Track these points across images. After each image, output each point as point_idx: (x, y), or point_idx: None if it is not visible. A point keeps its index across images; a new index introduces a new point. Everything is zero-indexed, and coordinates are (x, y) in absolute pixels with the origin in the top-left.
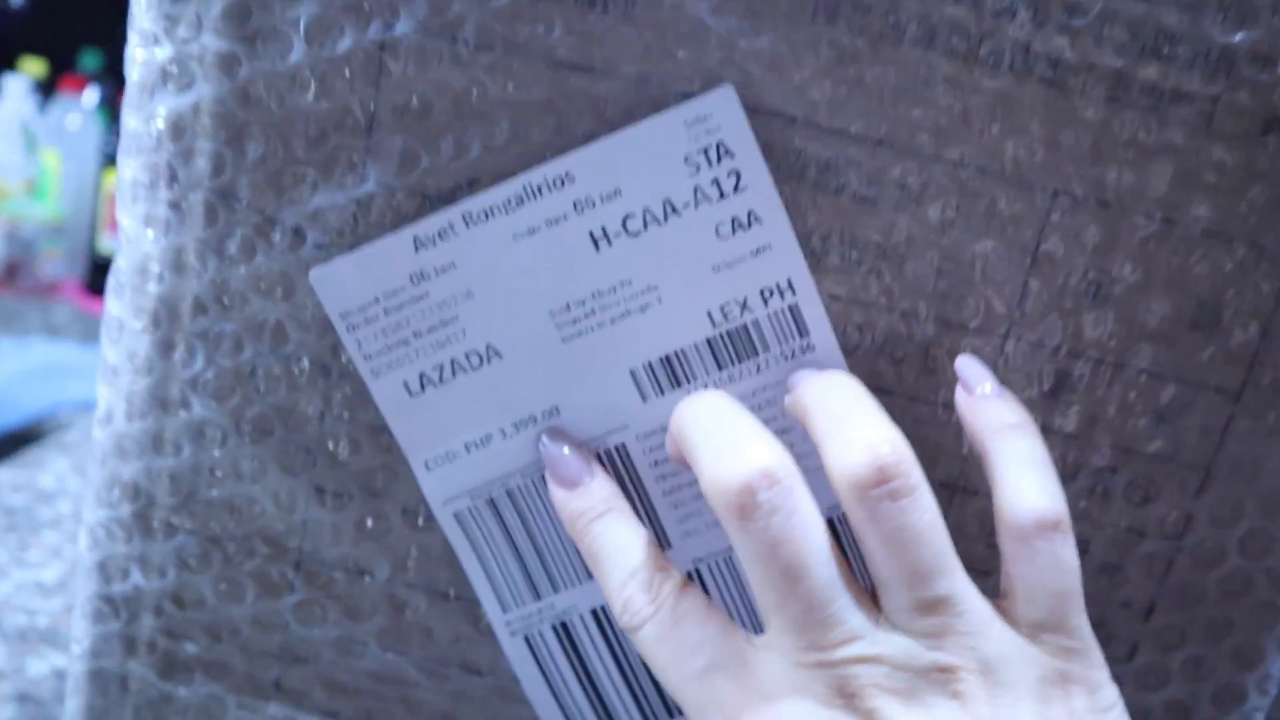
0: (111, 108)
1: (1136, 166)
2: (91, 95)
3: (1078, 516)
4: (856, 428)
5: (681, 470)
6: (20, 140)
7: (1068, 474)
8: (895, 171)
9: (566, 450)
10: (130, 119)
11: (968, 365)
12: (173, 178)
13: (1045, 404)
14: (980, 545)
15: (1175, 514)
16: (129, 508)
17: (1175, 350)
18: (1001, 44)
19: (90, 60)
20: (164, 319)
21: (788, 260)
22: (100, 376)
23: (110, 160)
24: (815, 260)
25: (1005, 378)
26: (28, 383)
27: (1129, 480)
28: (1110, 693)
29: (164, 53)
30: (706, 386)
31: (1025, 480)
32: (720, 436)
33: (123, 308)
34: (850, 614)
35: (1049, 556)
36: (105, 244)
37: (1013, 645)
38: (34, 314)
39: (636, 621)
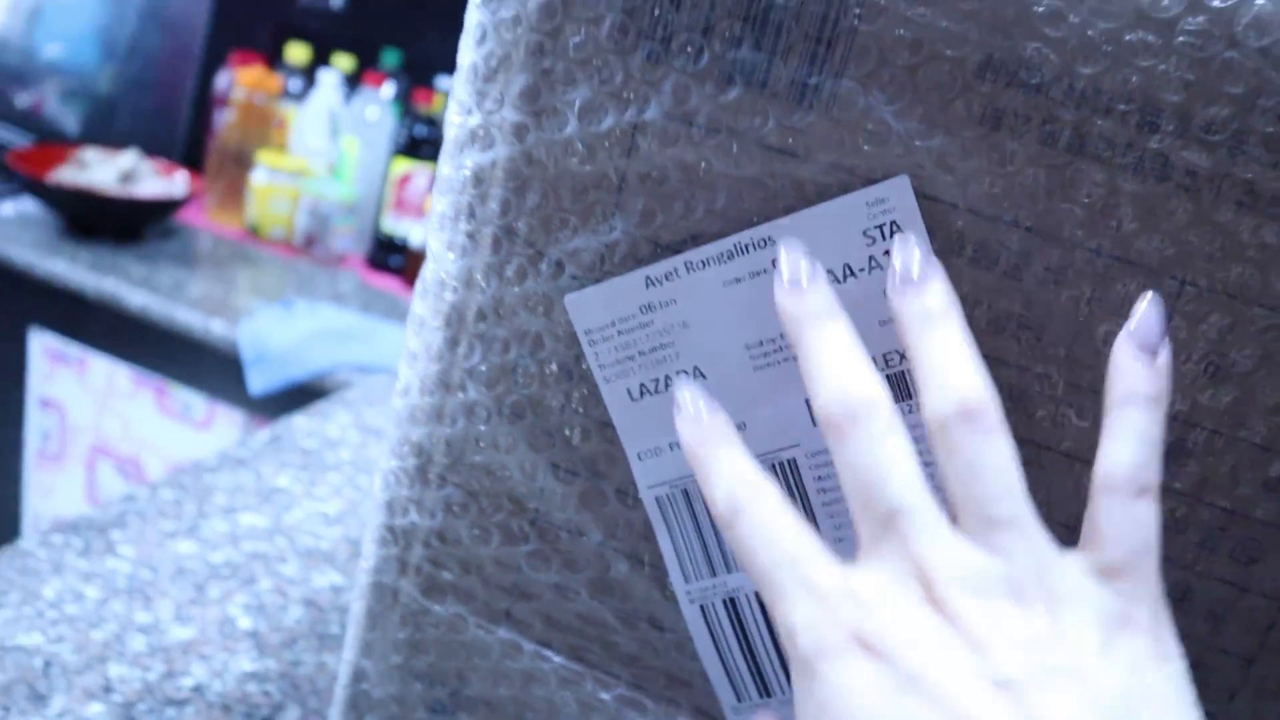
0: (404, 102)
1: (1261, 265)
2: (389, 90)
3: (1185, 566)
4: (952, 372)
5: (840, 489)
6: (327, 127)
7: (1179, 527)
8: (1040, 255)
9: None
10: (444, 167)
11: (1149, 320)
12: (471, 214)
13: (1164, 461)
14: None
15: None
16: (413, 462)
17: None
18: (1144, 154)
19: (390, 58)
20: (454, 321)
21: None
22: (402, 359)
23: (399, 150)
24: (965, 322)
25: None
26: (317, 342)
27: (1236, 541)
28: (1173, 645)
29: (474, 120)
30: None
31: (1129, 448)
32: (834, 362)
33: (425, 309)
34: (933, 519)
35: (1129, 515)
36: (388, 224)
37: (1081, 579)
38: (324, 281)
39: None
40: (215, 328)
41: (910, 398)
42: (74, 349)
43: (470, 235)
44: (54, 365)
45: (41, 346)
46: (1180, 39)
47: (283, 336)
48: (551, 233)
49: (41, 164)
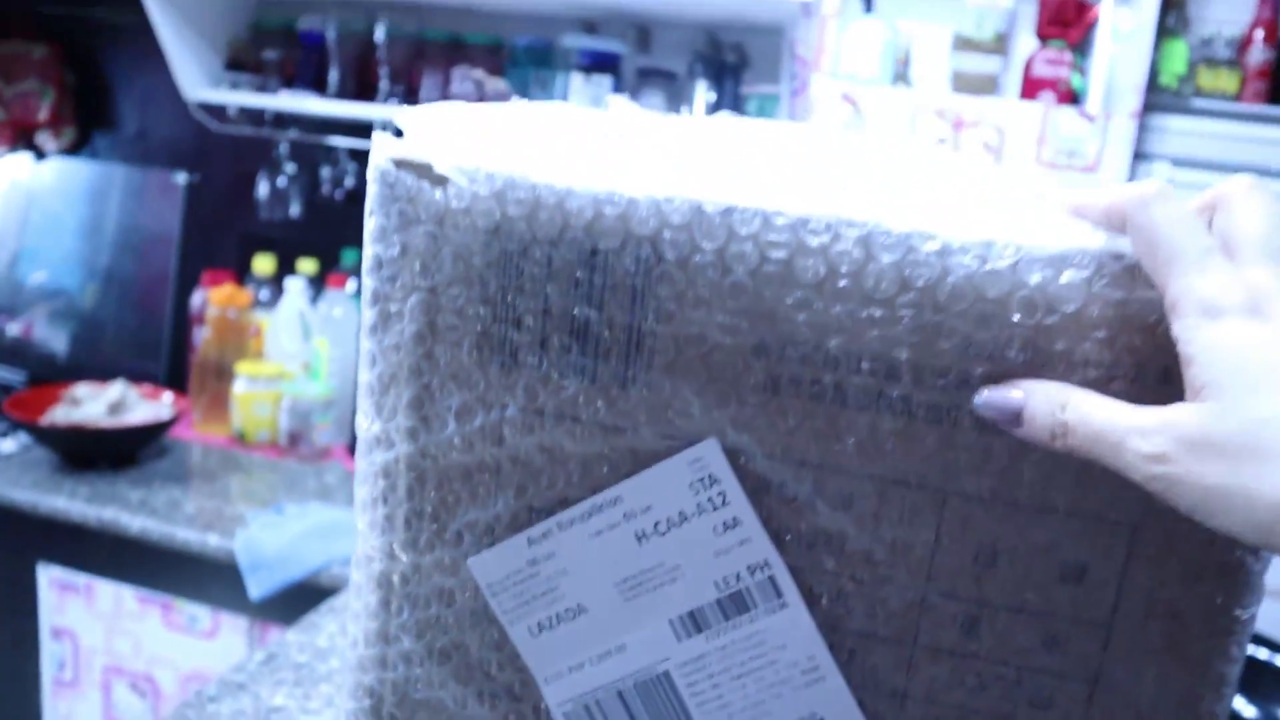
0: None
1: (998, 472)
2: (352, 286)
3: (995, 716)
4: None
5: (706, 690)
6: (299, 329)
7: (984, 685)
8: (828, 486)
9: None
10: (360, 462)
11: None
12: (384, 500)
13: (961, 635)
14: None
15: (1074, 716)
16: (368, 702)
17: (1051, 598)
18: (892, 399)
19: (350, 257)
20: (384, 585)
21: (762, 547)
22: (349, 618)
23: None
24: (782, 545)
25: (927, 617)
26: (310, 541)
27: (1033, 692)
28: None
29: (376, 427)
30: (720, 633)
31: None
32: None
33: (360, 576)
34: None
35: None
36: None
37: None
38: (310, 476)
39: None
40: (212, 540)
41: (742, 613)
42: (80, 577)
43: (387, 517)
44: (62, 595)
45: (48, 579)
46: (900, 311)
47: (276, 540)
48: (450, 510)
49: (36, 406)
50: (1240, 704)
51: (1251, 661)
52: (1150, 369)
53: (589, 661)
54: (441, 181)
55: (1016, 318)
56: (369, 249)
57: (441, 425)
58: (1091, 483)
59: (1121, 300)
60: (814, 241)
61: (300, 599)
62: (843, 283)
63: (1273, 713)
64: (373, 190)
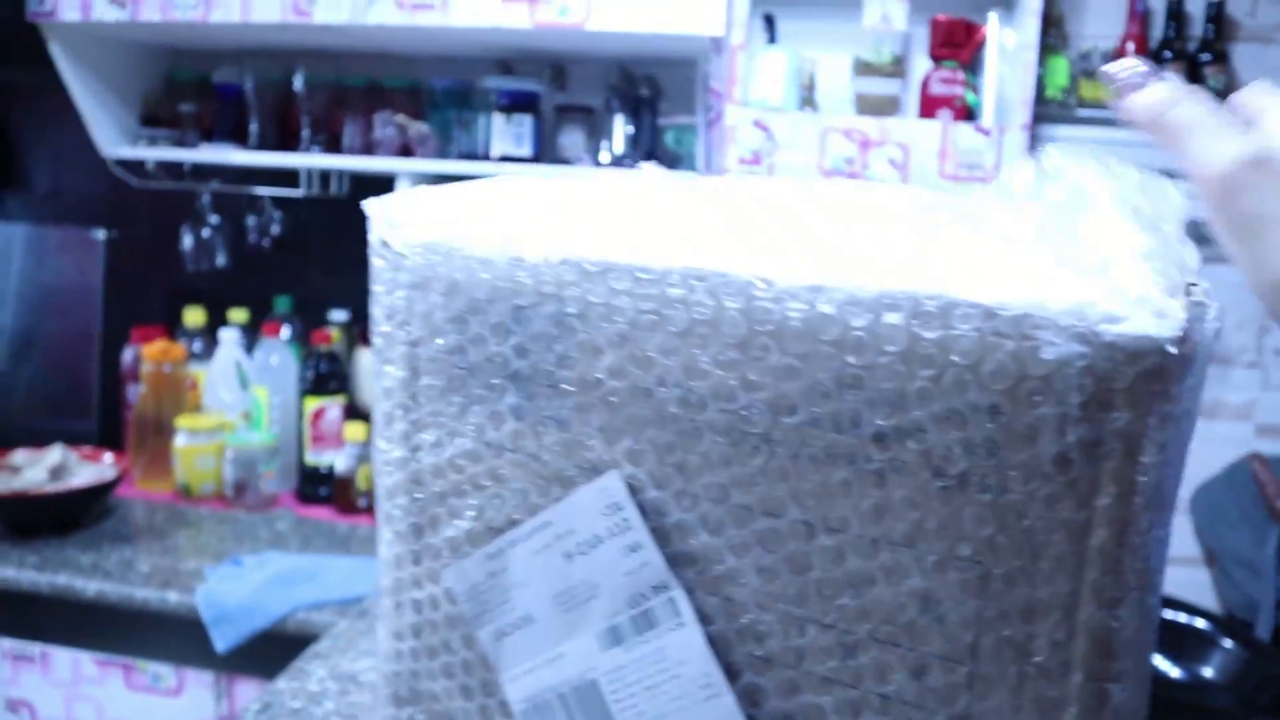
0: (303, 343)
1: (864, 511)
2: (287, 333)
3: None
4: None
5: (626, 699)
6: (235, 380)
7: (855, 712)
8: (709, 515)
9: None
10: (377, 485)
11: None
12: (392, 519)
13: (839, 662)
14: None
15: None
16: (391, 690)
17: (915, 633)
18: (753, 437)
19: (282, 304)
20: (393, 591)
21: (661, 570)
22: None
23: (307, 389)
24: (676, 568)
25: (808, 644)
26: (271, 589)
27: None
28: None
29: (384, 456)
30: (634, 647)
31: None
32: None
33: (382, 582)
34: None
35: None
36: (311, 458)
37: None
38: (260, 525)
39: None
40: (171, 597)
41: (650, 629)
42: (34, 647)
43: (395, 532)
44: (16, 666)
45: (0, 651)
46: (751, 354)
47: (238, 592)
48: (434, 527)
49: None
50: (1166, 666)
51: (1174, 625)
52: (981, 405)
53: (537, 666)
54: (403, 255)
55: (851, 359)
56: (373, 309)
57: (423, 455)
58: (951, 521)
59: (940, 339)
60: (674, 293)
61: (266, 648)
62: (702, 330)
63: (1196, 672)
64: (374, 263)
